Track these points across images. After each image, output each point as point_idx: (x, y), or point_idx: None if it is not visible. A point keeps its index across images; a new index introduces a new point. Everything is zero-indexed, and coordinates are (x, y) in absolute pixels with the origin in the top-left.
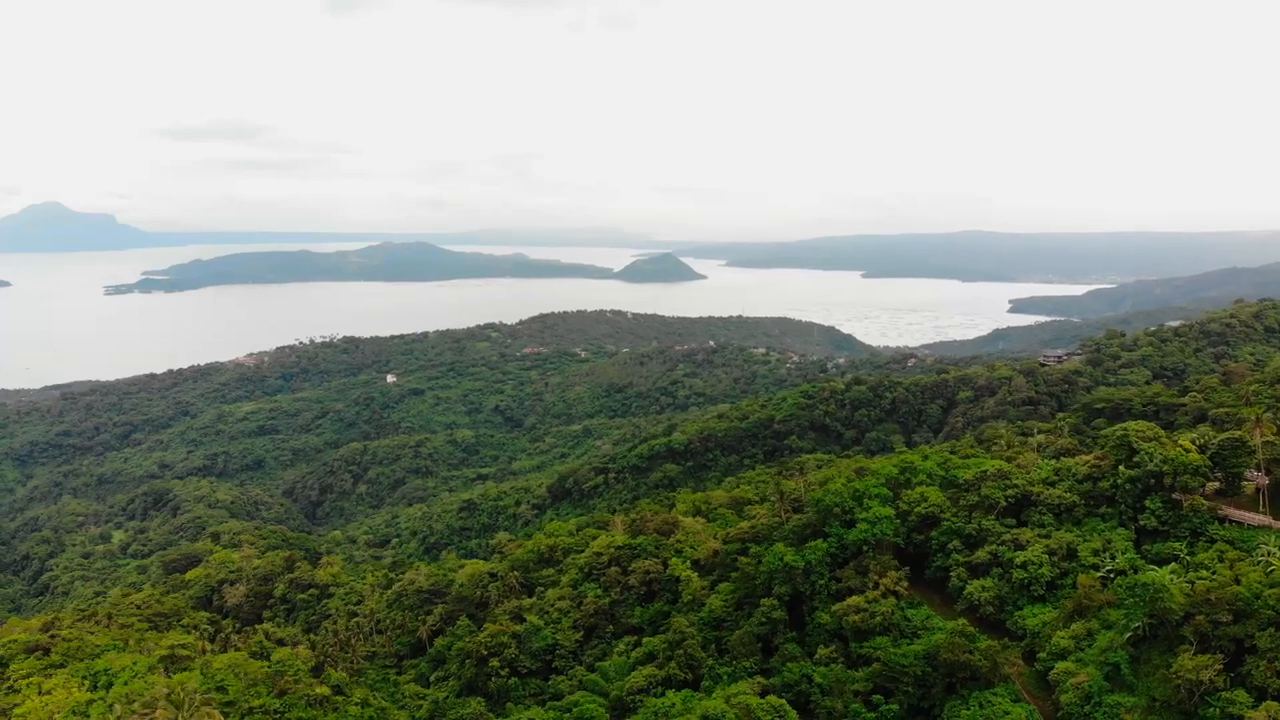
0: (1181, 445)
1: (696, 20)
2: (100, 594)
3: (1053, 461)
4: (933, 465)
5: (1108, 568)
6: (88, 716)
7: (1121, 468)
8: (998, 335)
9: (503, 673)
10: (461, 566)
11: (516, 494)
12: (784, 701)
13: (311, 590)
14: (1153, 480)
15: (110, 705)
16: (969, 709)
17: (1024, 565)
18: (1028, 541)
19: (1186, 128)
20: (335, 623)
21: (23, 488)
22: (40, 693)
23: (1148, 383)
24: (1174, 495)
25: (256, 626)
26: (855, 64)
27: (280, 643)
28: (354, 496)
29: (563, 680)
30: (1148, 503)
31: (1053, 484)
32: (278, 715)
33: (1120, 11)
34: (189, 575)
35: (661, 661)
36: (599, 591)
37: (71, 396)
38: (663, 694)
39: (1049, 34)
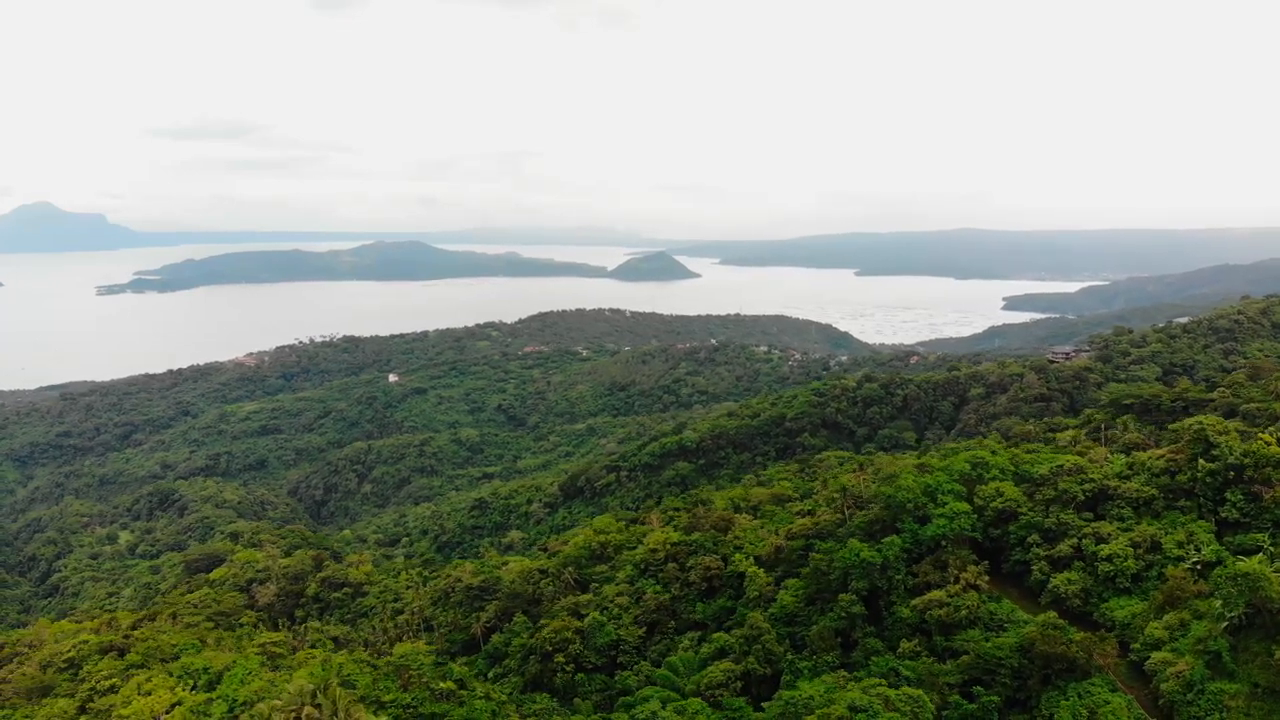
0: (1262, 438)
1: (697, 19)
2: (113, 594)
3: (1124, 456)
4: (1004, 460)
5: (1194, 559)
6: (209, 715)
7: (1201, 461)
8: (993, 333)
9: (568, 668)
10: (505, 564)
11: (528, 492)
12: (920, 692)
13: (345, 589)
14: (1232, 473)
15: (241, 704)
16: (1068, 699)
17: (1109, 558)
18: (1109, 535)
19: (1177, 127)
20: (382, 620)
21: (23, 489)
22: (141, 693)
23: (1158, 379)
24: (1254, 488)
25: (306, 625)
26: (854, 65)
27: (335, 639)
28: (359, 496)
29: (629, 675)
30: (1228, 495)
31: (1127, 478)
32: (411, 710)
33: (1111, 12)
34: (213, 575)
35: (738, 656)
36: (658, 588)
37: (71, 397)
38: (742, 688)
39: (1041, 36)
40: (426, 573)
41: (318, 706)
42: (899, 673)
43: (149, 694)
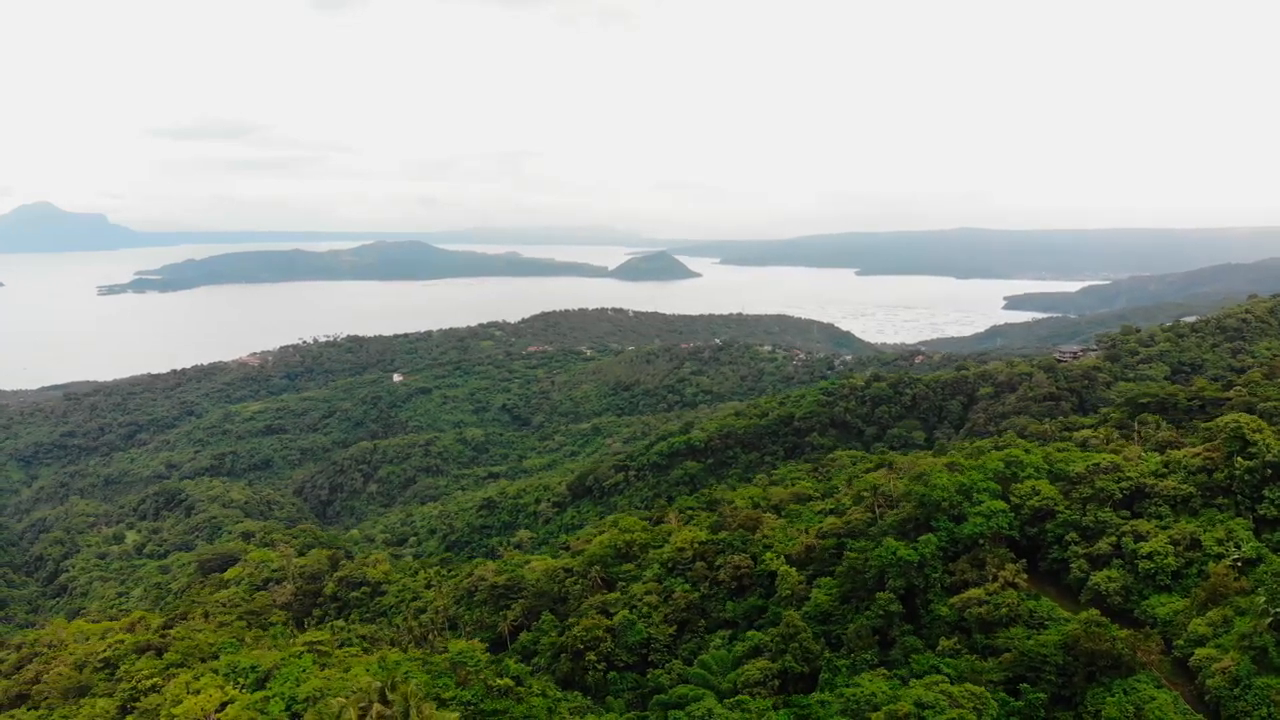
0: None
1: (697, 18)
2: (122, 594)
3: (1158, 454)
4: (1038, 459)
5: (1234, 556)
6: (267, 713)
7: (1238, 459)
8: (995, 332)
9: (599, 666)
10: (527, 562)
11: (536, 491)
12: (983, 689)
13: (364, 588)
14: (1270, 470)
15: (301, 701)
16: (1113, 696)
17: (1149, 555)
18: (1148, 532)
19: (1176, 126)
20: (405, 619)
21: (28, 488)
22: (189, 691)
23: (1166, 378)
24: None
25: (330, 623)
26: (854, 65)
27: (364, 638)
28: (364, 495)
29: (661, 674)
30: (1266, 492)
31: (1163, 476)
32: (472, 707)
33: (1110, 12)
34: (227, 574)
35: (774, 654)
36: (687, 586)
37: (75, 397)
38: (779, 687)
39: (1040, 35)
40: (445, 572)
41: (387, 703)
42: (940, 670)
43: (197, 693)
